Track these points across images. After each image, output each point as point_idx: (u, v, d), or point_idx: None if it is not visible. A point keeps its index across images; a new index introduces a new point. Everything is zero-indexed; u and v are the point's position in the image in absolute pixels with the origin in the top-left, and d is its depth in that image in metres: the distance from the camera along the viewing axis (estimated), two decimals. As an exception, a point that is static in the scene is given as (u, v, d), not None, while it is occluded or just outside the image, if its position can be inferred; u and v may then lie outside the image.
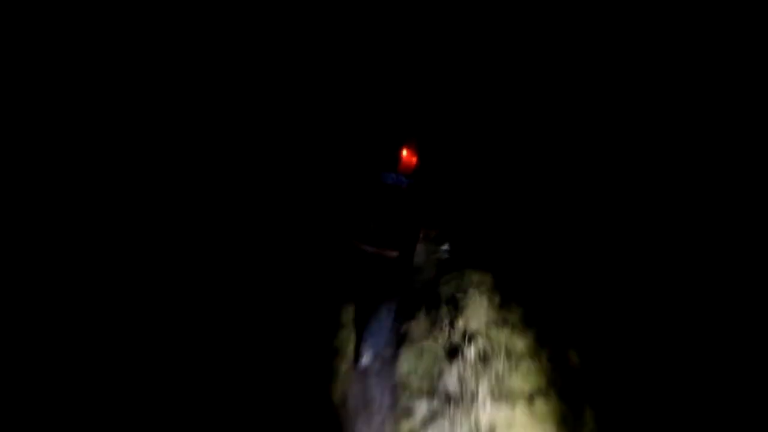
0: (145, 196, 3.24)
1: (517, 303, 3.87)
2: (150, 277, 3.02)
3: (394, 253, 3.36)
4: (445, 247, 5.07)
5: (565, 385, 3.07)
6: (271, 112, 4.15)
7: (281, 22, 4.19)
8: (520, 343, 3.34)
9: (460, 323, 3.71)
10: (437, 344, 3.53)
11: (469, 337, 3.48)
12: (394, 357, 3.82)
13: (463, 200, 5.16)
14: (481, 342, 3.40)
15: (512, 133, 5.15)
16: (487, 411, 3.07)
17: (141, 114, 3.36)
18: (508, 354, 3.25)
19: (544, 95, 5.19)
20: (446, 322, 3.78)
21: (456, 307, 4.03)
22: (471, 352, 3.27)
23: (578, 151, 5.15)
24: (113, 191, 3.12)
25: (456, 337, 3.52)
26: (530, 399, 3.08)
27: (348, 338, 3.89)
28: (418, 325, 3.94)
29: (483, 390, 3.15)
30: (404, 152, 3.21)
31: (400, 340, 4.02)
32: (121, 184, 3.17)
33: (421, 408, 3.25)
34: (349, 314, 3.97)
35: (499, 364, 3.17)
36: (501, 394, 3.11)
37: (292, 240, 3.85)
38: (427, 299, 4.36)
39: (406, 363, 3.67)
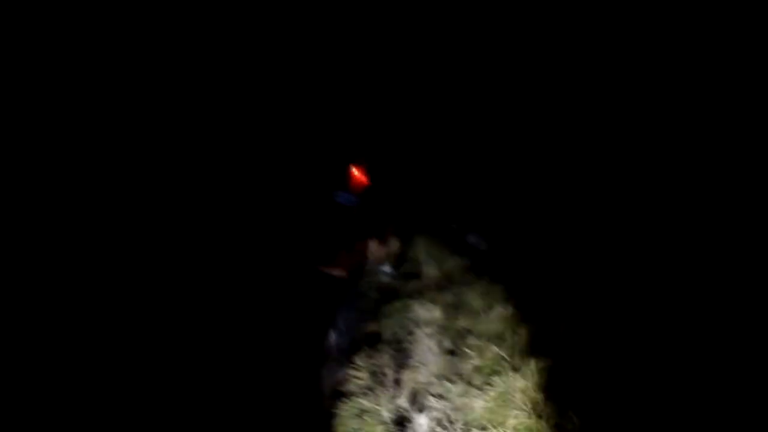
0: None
1: (471, 348, 3.24)
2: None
3: (344, 272, 3.27)
4: (387, 269, 4.39)
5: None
6: (224, 132, 4.08)
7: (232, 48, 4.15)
8: (478, 404, 2.70)
9: (405, 376, 3.02)
10: (380, 406, 2.81)
11: (418, 399, 2.79)
12: (330, 412, 3.07)
13: (411, 220, 4.51)
14: (433, 406, 2.72)
15: (462, 153, 4.63)
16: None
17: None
18: (467, 423, 2.59)
19: (491, 115, 4.78)
20: (390, 374, 3.07)
21: (400, 352, 3.35)
22: (422, 423, 2.57)
23: (525, 171, 4.71)
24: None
25: (402, 399, 2.82)
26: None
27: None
28: (356, 375, 3.20)
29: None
30: (354, 172, 3.18)
31: (335, 391, 3.28)
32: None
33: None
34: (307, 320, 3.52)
35: (457, 441, 2.50)
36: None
37: (246, 258, 3.58)
38: (366, 337, 3.65)
39: (342, 426, 2.93)
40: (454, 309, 3.73)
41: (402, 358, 3.27)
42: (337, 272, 3.24)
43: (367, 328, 3.72)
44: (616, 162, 4.05)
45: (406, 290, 4.08)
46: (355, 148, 3.88)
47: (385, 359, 3.28)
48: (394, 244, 4.65)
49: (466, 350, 3.22)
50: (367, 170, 3.25)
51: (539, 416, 2.56)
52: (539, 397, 2.70)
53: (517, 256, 4.15)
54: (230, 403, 2.87)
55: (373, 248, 3.51)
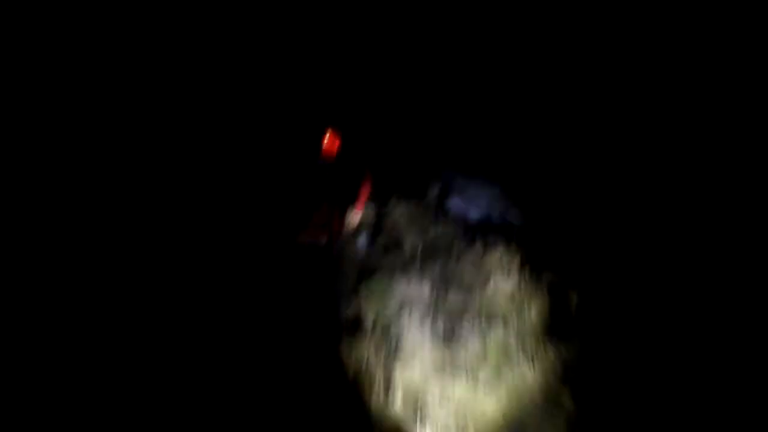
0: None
1: (470, 332, 2.66)
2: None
3: (324, 239, 3.04)
4: (363, 240, 3.70)
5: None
6: (200, 105, 3.81)
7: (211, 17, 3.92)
8: (489, 405, 2.14)
9: (397, 373, 2.41)
10: (371, 415, 2.19)
11: (416, 405, 2.19)
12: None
13: (387, 184, 3.81)
14: (436, 413, 2.13)
15: (441, 111, 4.01)
16: None
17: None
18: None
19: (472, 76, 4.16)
20: (378, 372, 2.46)
21: (387, 341, 2.73)
22: (427, 439, 1.98)
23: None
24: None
25: (397, 405, 2.21)
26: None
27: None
28: (340, 371, 2.56)
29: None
30: (326, 138, 2.91)
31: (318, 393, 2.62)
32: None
33: None
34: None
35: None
36: None
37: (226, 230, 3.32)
38: (347, 323, 3.00)
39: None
40: (443, 284, 3.12)
41: (390, 348, 2.66)
42: (314, 239, 3.01)
43: (347, 311, 3.07)
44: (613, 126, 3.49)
45: (386, 264, 3.42)
46: (328, 111, 3.69)
47: (370, 350, 2.65)
48: (369, 212, 3.96)
49: (465, 335, 2.65)
50: (341, 134, 2.95)
51: (568, 421, 2.03)
52: (564, 392, 2.16)
53: (508, 220, 3.56)
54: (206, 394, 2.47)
55: (348, 214, 3.19)
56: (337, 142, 2.92)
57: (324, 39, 4.24)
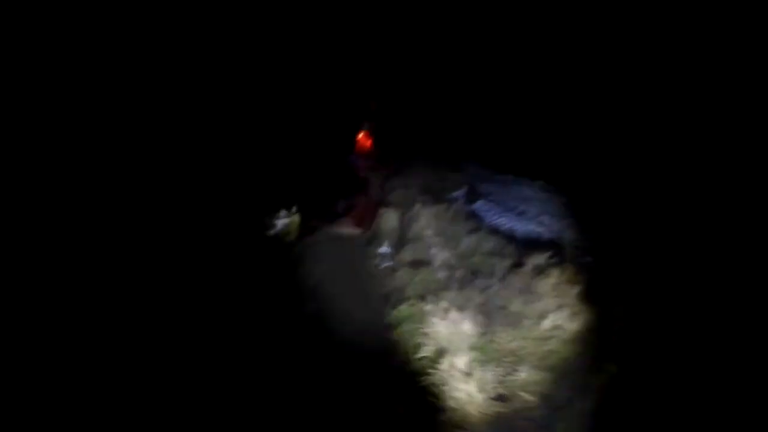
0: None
1: (527, 389, 2.12)
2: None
3: (357, 230, 3.02)
4: (384, 249, 3.14)
5: None
6: (230, 102, 3.66)
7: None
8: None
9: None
10: None
11: None
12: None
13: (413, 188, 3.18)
14: None
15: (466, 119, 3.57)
16: None
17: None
18: None
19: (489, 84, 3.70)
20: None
21: (422, 399, 2.20)
22: None
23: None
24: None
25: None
26: None
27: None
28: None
29: None
30: (360, 135, 3.02)
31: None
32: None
33: None
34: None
35: None
36: None
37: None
38: (370, 367, 2.46)
39: None
40: (486, 316, 2.55)
41: (428, 410, 2.12)
42: (349, 230, 3.00)
43: (370, 349, 2.53)
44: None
45: (415, 286, 2.84)
46: (361, 111, 3.45)
47: (401, 411, 2.12)
48: (391, 216, 3.38)
49: (523, 395, 2.10)
50: (373, 132, 3.00)
51: None
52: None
53: (564, 235, 2.94)
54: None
55: (376, 210, 3.12)
56: (370, 139, 3.00)
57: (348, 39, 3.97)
